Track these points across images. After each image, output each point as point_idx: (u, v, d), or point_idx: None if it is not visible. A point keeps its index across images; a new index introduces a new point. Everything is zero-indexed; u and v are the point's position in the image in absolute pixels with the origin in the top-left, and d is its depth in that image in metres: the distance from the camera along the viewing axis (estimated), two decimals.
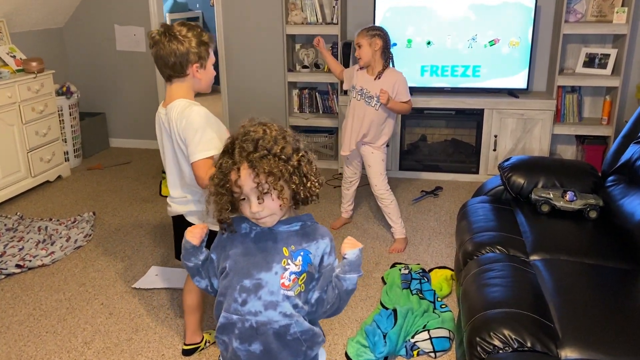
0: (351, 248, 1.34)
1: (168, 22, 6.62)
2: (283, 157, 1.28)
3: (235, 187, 1.29)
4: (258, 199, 1.27)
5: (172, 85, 1.99)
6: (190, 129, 1.89)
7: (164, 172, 4.42)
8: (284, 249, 1.34)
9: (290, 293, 1.34)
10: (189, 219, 2.11)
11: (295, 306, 1.35)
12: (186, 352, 2.38)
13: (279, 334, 1.36)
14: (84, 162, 4.97)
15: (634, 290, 2.02)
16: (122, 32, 5.11)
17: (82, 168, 4.82)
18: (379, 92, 3.03)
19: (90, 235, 3.50)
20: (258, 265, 1.35)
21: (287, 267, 1.33)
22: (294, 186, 1.30)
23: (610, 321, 1.80)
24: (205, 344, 2.41)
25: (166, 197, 4.07)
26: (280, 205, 1.30)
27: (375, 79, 3.11)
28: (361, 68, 3.19)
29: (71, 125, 4.76)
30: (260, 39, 4.86)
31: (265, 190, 1.27)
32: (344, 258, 1.34)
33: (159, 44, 1.91)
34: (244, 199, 1.30)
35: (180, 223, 2.16)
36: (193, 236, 1.45)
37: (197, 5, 7.89)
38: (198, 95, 2.10)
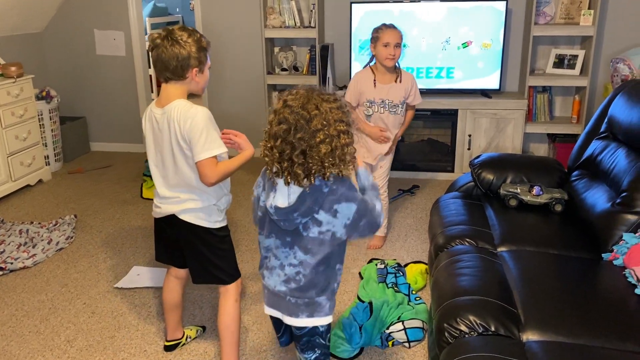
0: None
1: (148, 27, 6.60)
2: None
3: None
4: None
5: (168, 86, 2.02)
6: (196, 129, 1.93)
7: (144, 175, 4.47)
8: None
9: None
10: (183, 217, 2.09)
11: None
12: (168, 348, 2.44)
13: None
14: (64, 166, 4.98)
15: (593, 277, 2.14)
16: (102, 37, 5.14)
17: (62, 172, 4.83)
18: (401, 97, 3.04)
19: (72, 237, 3.53)
20: None
21: None
22: None
23: (570, 306, 1.90)
24: (186, 339, 2.47)
25: (147, 199, 4.14)
26: None
27: (395, 81, 3.05)
28: (372, 75, 3.06)
29: (51, 130, 4.78)
30: (240, 43, 4.94)
31: None
32: None
33: (161, 47, 1.95)
34: None
35: (168, 223, 2.16)
36: None
37: (177, 10, 7.93)
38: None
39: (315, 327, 1.70)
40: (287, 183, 1.55)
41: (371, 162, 3.17)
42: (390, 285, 2.78)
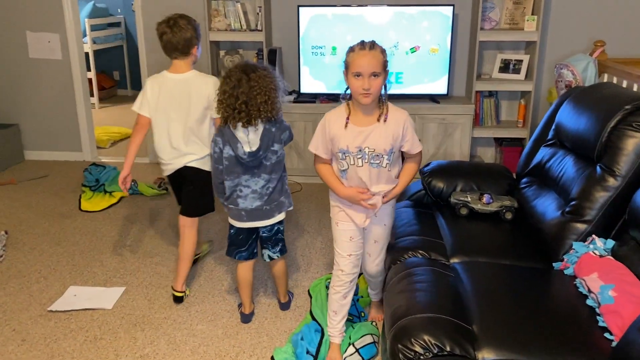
0: None
1: (87, 28, 6.38)
2: None
3: None
4: None
5: (179, 61, 2.66)
6: (215, 91, 2.43)
7: (83, 186, 4.24)
8: None
9: None
10: (194, 164, 2.70)
11: None
12: (177, 299, 2.84)
13: None
14: None
15: (545, 288, 2.12)
16: (35, 39, 4.84)
17: None
18: (388, 144, 2.10)
19: (1, 256, 3.28)
20: None
21: None
22: None
23: (524, 321, 1.87)
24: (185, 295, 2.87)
25: (86, 211, 3.91)
26: None
27: (378, 120, 2.10)
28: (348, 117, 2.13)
29: None
30: None
31: None
32: None
33: (169, 33, 2.59)
34: None
35: (178, 176, 2.76)
36: None
37: (119, 10, 7.63)
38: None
39: (281, 222, 2.52)
40: (244, 126, 2.29)
41: (360, 224, 2.25)
42: None
